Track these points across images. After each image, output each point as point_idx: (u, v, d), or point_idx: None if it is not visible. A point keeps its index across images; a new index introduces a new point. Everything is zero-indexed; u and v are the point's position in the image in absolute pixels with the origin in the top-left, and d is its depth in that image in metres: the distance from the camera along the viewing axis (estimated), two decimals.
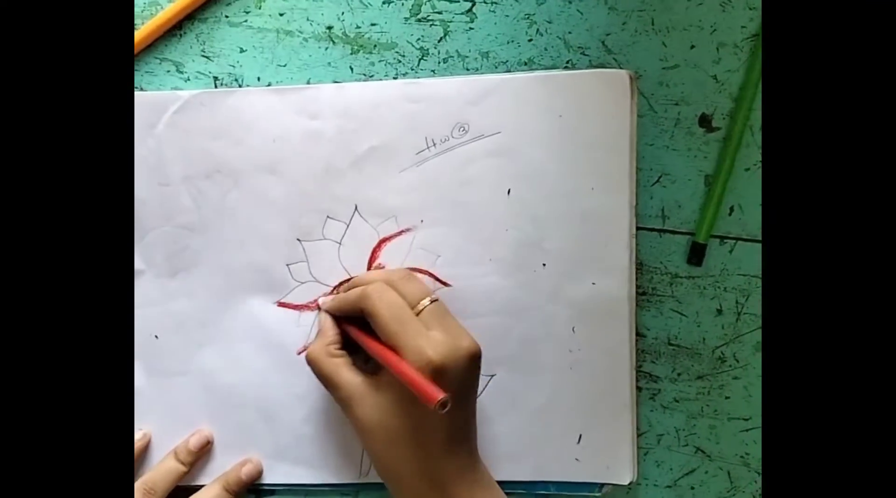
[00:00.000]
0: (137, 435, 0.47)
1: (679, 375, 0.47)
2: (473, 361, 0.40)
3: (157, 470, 0.46)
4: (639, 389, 0.47)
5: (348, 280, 0.46)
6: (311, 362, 0.43)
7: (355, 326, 0.43)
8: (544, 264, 0.46)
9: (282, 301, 0.46)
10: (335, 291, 0.46)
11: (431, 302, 0.41)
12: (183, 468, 0.46)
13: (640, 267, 0.47)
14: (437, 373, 0.37)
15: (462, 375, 0.39)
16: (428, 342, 0.38)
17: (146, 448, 0.47)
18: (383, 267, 0.46)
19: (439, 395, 0.35)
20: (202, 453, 0.47)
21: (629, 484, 0.46)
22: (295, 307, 0.46)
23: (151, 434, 0.47)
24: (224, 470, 0.46)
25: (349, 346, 0.43)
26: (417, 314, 0.40)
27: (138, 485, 0.45)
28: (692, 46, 0.46)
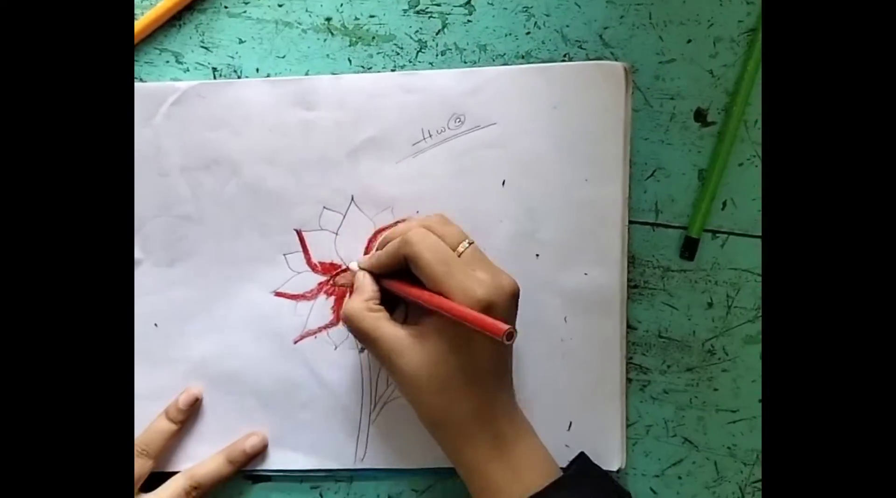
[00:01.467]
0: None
1: (669, 366, 0.48)
2: (515, 297, 0.41)
3: (149, 430, 0.46)
4: (629, 380, 0.48)
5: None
6: (349, 318, 0.42)
7: (396, 280, 0.43)
8: (538, 255, 0.46)
9: (279, 291, 0.47)
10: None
11: (469, 244, 0.42)
12: (174, 426, 0.46)
13: (632, 260, 0.47)
14: (486, 310, 0.38)
15: (506, 312, 0.40)
16: (473, 281, 0.39)
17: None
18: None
19: (504, 327, 0.36)
20: (192, 410, 0.47)
21: (617, 471, 0.47)
22: (292, 297, 0.47)
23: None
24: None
25: (386, 304, 0.43)
26: (458, 256, 0.41)
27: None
28: (689, 41, 0.46)
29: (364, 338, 0.42)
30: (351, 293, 0.44)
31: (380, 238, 0.46)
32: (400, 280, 0.43)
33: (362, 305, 0.42)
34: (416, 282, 0.41)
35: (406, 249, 0.40)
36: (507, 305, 0.40)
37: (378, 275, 0.44)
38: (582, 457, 0.46)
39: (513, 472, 0.40)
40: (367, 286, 0.43)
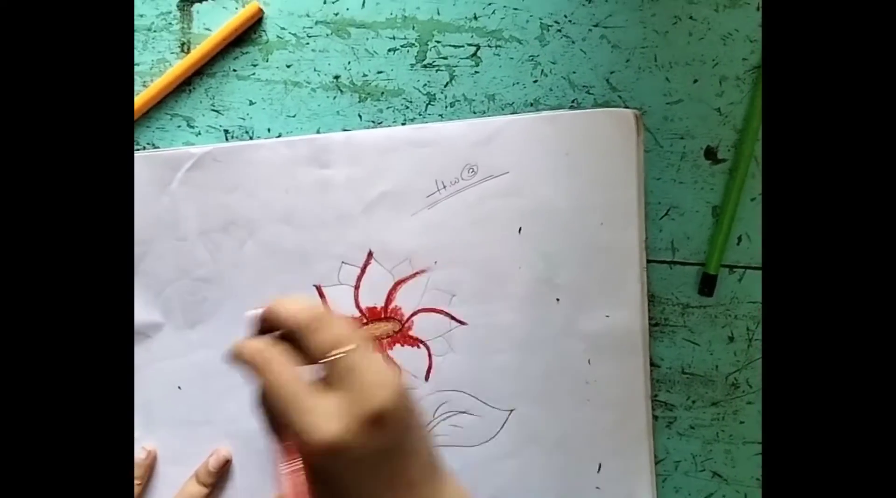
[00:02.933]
0: (142, 454, 0.47)
1: (694, 402, 0.48)
2: (382, 420, 0.29)
3: (180, 495, 0.46)
4: (655, 417, 0.47)
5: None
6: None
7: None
8: (558, 299, 0.46)
9: None
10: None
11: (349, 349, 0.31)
12: (205, 490, 0.46)
13: (652, 298, 0.47)
14: (332, 452, 0.29)
15: (375, 441, 0.29)
16: (320, 415, 0.29)
17: (152, 466, 0.47)
18: (400, 310, 0.47)
19: None
20: (222, 473, 0.47)
21: None
22: None
23: (157, 452, 0.47)
24: None
25: None
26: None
27: None
28: (695, 80, 0.46)
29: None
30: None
31: (400, 289, 0.46)
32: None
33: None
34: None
35: (256, 373, 0.33)
36: (366, 437, 0.29)
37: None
38: None
39: None
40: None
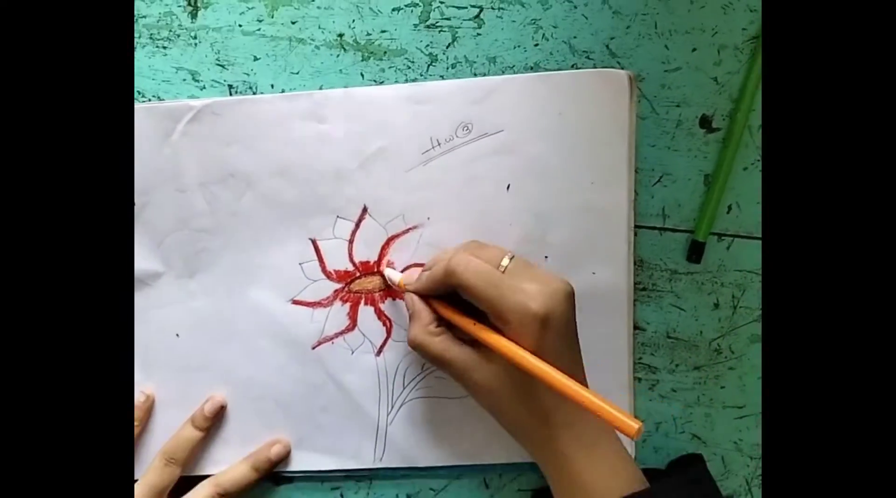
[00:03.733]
0: (141, 397, 0.48)
1: (677, 366, 0.49)
2: (571, 300, 0.40)
3: (176, 438, 0.47)
4: (638, 379, 0.48)
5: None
6: (417, 346, 0.42)
7: (451, 309, 0.42)
8: (546, 256, 0.47)
9: (296, 299, 0.48)
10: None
11: (510, 259, 0.41)
12: (200, 434, 0.47)
13: (640, 264, 0.48)
14: (544, 322, 0.38)
15: (564, 317, 0.39)
16: (526, 296, 0.38)
17: (150, 410, 0.48)
18: (392, 263, 0.48)
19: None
20: (217, 417, 0.48)
21: None
22: (308, 304, 0.48)
23: (155, 396, 0.48)
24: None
25: (442, 320, 0.43)
26: (503, 273, 0.40)
27: (159, 454, 0.47)
28: (694, 49, 0.47)
29: (435, 361, 0.42)
30: (410, 319, 0.44)
31: (393, 245, 0.47)
32: (454, 308, 0.42)
33: (424, 331, 0.42)
34: (466, 305, 0.41)
35: (452, 278, 0.40)
36: (563, 311, 0.39)
37: (426, 297, 0.44)
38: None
39: (602, 469, 0.40)
40: (421, 311, 0.43)
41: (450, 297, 0.42)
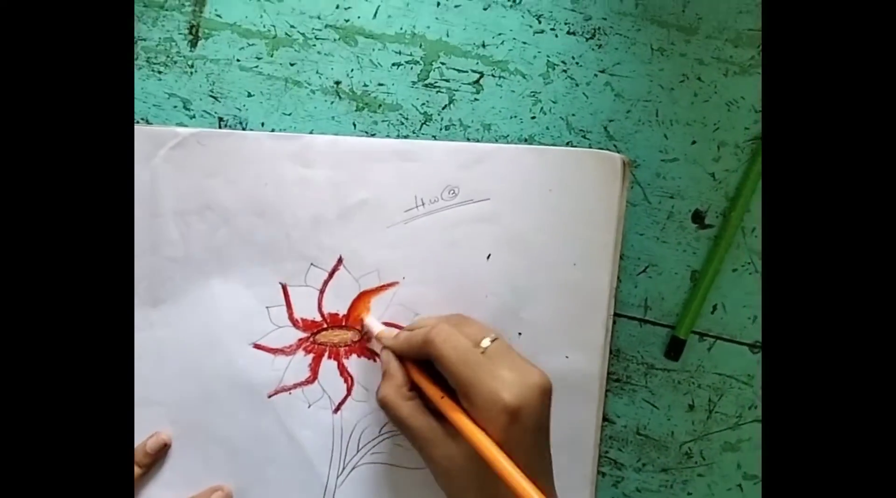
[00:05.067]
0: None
1: (644, 465, 0.46)
2: (546, 396, 0.38)
3: None
4: (602, 473, 0.46)
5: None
6: (384, 405, 0.41)
7: (424, 376, 0.41)
8: (520, 333, 0.45)
9: (258, 343, 0.46)
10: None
11: (492, 341, 0.39)
12: (138, 470, 0.46)
13: (616, 354, 0.46)
14: (514, 415, 0.36)
15: (536, 413, 0.37)
16: (501, 384, 0.36)
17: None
18: (362, 319, 0.47)
19: None
20: (159, 456, 0.46)
21: None
22: (270, 350, 0.46)
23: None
24: None
25: (415, 385, 0.42)
26: (481, 353, 0.39)
27: None
28: (693, 142, 0.46)
29: (399, 425, 0.41)
30: (383, 376, 0.43)
31: (365, 301, 0.46)
32: (426, 376, 0.41)
33: (396, 391, 0.41)
34: (439, 376, 0.40)
35: (430, 348, 0.39)
36: (536, 407, 0.37)
37: (402, 357, 0.43)
38: None
39: None
40: (395, 371, 0.42)
41: (425, 364, 0.41)
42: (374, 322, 0.45)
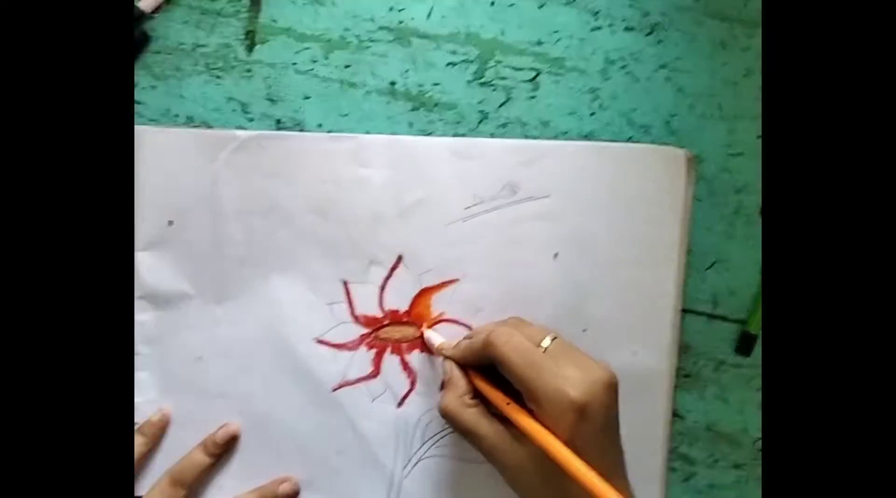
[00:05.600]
0: (157, 415, 0.48)
1: (716, 461, 0.46)
2: (612, 390, 0.37)
3: (185, 461, 0.47)
4: (673, 469, 0.45)
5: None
6: (448, 415, 0.41)
7: (487, 383, 0.41)
8: (584, 330, 0.45)
9: (321, 338, 0.47)
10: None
11: (552, 340, 0.39)
12: (210, 460, 0.47)
13: (686, 349, 0.45)
14: (581, 412, 0.35)
15: (604, 408, 0.37)
16: (565, 382, 0.36)
17: (165, 428, 0.48)
18: (422, 332, 0.46)
19: None
20: (227, 447, 0.47)
21: None
22: (333, 345, 0.47)
23: (171, 414, 0.48)
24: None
25: (478, 392, 0.42)
26: (543, 352, 0.38)
27: (166, 475, 0.46)
28: (759, 136, 0.44)
29: (465, 433, 0.41)
30: (445, 386, 0.43)
31: (426, 297, 0.46)
32: (490, 382, 0.41)
33: (458, 401, 0.41)
34: (503, 381, 0.40)
35: (491, 350, 0.39)
36: (604, 402, 0.37)
37: (463, 366, 0.42)
38: None
39: None
40: (457, 380, 0.42)
41: (487, 370, 0.40)
42: (434, 335, 0.46)
